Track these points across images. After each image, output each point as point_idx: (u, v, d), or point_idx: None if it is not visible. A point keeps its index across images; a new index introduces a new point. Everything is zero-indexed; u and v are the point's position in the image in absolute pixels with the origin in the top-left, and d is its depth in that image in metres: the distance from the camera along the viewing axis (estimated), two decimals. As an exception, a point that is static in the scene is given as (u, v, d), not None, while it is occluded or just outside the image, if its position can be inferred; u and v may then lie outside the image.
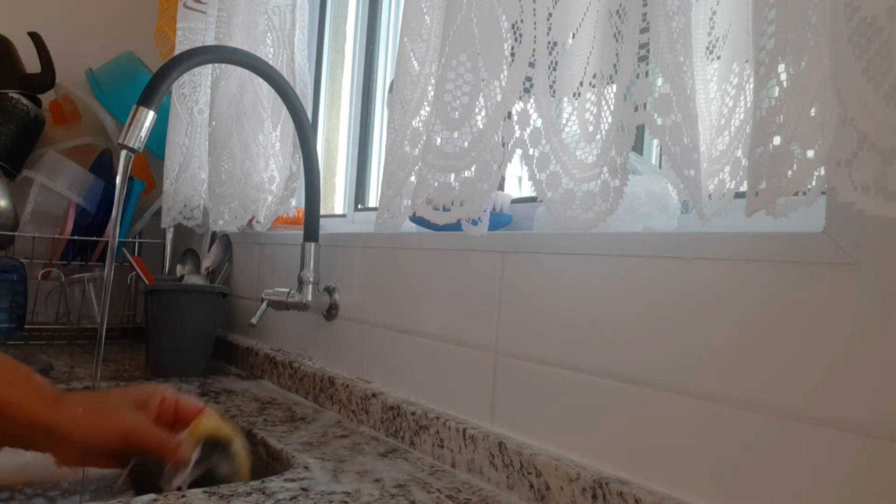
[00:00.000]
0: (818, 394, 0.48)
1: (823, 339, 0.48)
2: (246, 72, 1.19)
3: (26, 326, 1.44)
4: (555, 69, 0.62)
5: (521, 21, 0.64)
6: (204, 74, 1.42)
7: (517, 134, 0.66)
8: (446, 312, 0.82)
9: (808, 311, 0.49)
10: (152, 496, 0.62)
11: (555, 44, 0.63)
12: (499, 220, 0.83)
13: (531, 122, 0.65)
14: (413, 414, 0.82)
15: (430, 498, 0.66)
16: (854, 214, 0.42)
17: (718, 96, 0.55)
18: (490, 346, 0.76)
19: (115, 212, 0.87)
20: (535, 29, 0.64)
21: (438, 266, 0.84)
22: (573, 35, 0.62)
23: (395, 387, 0.90)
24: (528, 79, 0.64)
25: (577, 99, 0.62)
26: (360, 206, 1.28)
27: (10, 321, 1.39)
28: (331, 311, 1.05)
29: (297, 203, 1.34)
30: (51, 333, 1.50)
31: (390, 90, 0.83)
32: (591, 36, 0.60)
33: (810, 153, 0.43)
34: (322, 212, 1.11)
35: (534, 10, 0.64)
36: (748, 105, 0.52)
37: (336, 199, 1.40)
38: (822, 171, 0.42)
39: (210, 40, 1.40)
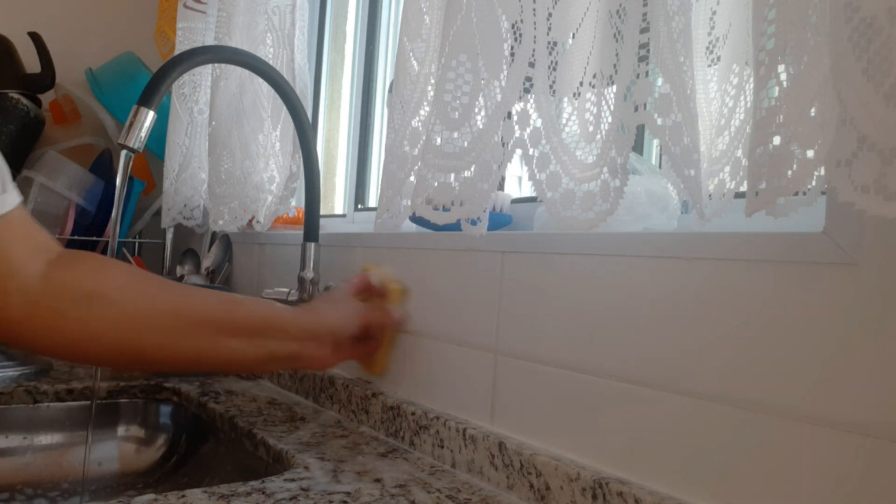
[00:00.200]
0: (818, 394, 0.48)
1: (823, 339, 0.48)
2: (246, 72, 1.19)
3: (26, 326, 1.43)
4: (555, 69, 0.62)
5: (521, 21, 0.64)
6: (204, 74, 1.42)
7: (517, 134, 0.66)
8: (446, 312, 0.82)
9: (808, 311, 0.49)
10: (152, 496, 0.62)
11: (555, 44, 0.63)
12: (499, 220, 0.83)
13: (531, 122, 0.65)
14: (413, 414, 0.82)
15: (430, 498, 0.66)
16: (854, 214, 0.42)
17: (718, 96, 0.55)
18: (490, 346, 0.76)
19: (115, 212, 0.87)
20: (535, 29, 0.64)
21: (438, 266, 0.84)
22: (573, 35, 0.62)
23: (394, 387, 0.90)
24: (528, 79, 0.64)
25: (577, 99, 0.62)
26: (360, 206, 1.28)
27: (10, 321, 1.39)
28: (331, 311, 1.05)
29: (297, 203, 1.34)
30: (51, 333, 1.50)
31: (390, 90, 0.83)
32: (591, 36, 0.60)
33: (810, 153, 0.43)
34: (322, 212, 1.11)
35: (534, 9, 0.64)
36: (748, 105, 0.52)
37: (336, 199, 1.40)
38: (822, 171, 0.42)
39: (210, 40, 1.40)
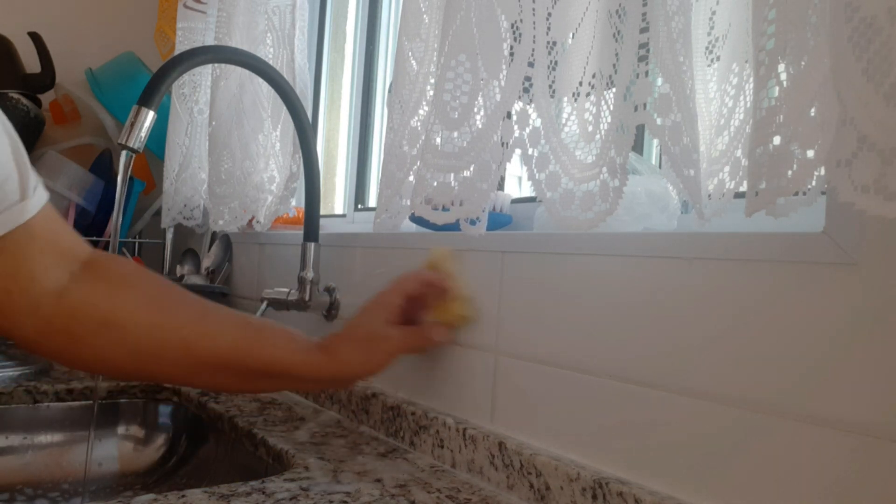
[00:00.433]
0: (818, 393, 0.48)
1: (823, 339, 0.48)
2: (246, 72, 1.19)
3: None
4: (554, 69, 0.62)
5: (521, 21, 0.64)
6: (204, 74, 1.42)
7: (516, 134, 0.65)
8: (446, 312, 0.82)
9: (808, 311, 0.49)
10: (152, 496, 0.62)
11: (554, 43, 0.63)
12: (499, 220, 0.83)
13: (530, 121, 0.65)
14: (413, 414, 0.82)
15: (430, 498, 0.66)
16: (854, 214, 0.42)
17: (718, 96, 0.55)
18: (490, 346, 0.76)
19: (116, 212, 0.87)
20: (534, 28, 0.64)
21: (438, 266, 0.84)
22: (573, 35, 0.62)
23: (394, 387, 0.90)
24: (528, 78, 0.64)
25: (576, 99, 0.62)
26: (360, 206, 1.28)
27: (10, 321, 1.39)
28: (331, 311, 1.05)
29: (297, 203, 1.34)
30: (51, 333, 1.50)
31: (389, 90, 0.83)
32: (591, 36, 0.60)
33: (810, 153, 0.43)
34: (322, 212, 1.11)
35: (533, 9, 0.64)
36: (748, 105, 0.52)
37: (336, 199, 1.40)
38: (822, 171, 0.42)
39: (210, 40, 1.40)
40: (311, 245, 1.03)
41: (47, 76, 1.50)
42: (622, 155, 0.57)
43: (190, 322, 0.69)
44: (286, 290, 1.05)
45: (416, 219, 0.85)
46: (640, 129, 0.72)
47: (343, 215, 1.31)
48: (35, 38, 1.50)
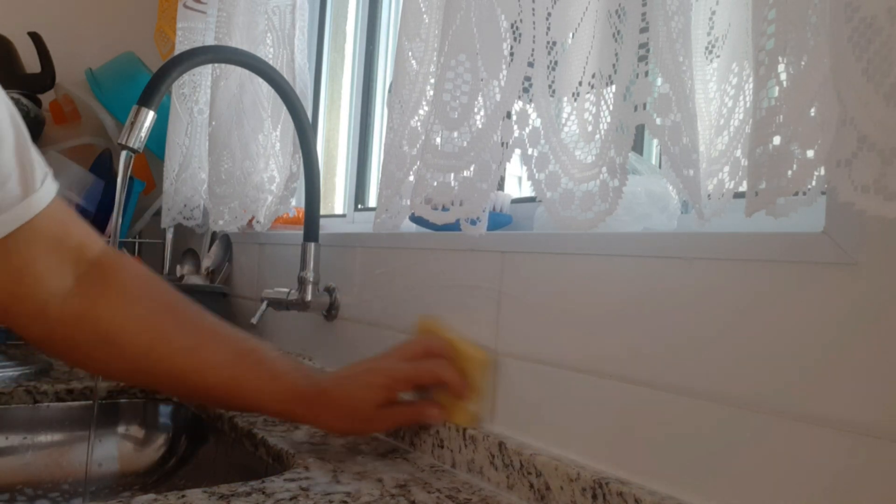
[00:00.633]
0: (818, 393, 0.48)
1: (823, 339, 0.48)
2: (246, 72, 1.19)
3: (27, 326, 1.43)
4: (554, 69, 0.62)
5: (521, 20, 0.64)
6: (204, 74, 1.42)
7: (516, 134, 0.65)
8: (446, 312, 0.82)
9: (808, 311, 0.49)
10: (152, 496, 0.62)
11: (554, 43, 0.63)
12: (499, 220, 0.83)
13: (530, 121, 0.65)
14: (413, 414, 0.82)
15: (431, 498, 0.66)
16: (854, 214, 0.42)
17: (718, 96, 0.55)
18: (490, 347, 0.76)
19: (116, 212, 0.87)
20: (534, 28, 0.64)
21: (438, 266, 0.84)
22: (572, 35, 0.62)
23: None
24: (528, 78, 0.64)
25: (576, 99, 0.62)
26: (360, 206, 1.28)
27: (10, 321, 1.39)
28: (331, 311, 1.05)
29: (297, 203, 1.34)
30: (51, 333, 1.50)
31: (389, 90, 0.83)
32: (591, 35, 0.60)
33: (810, 153, 0.43)
34: (322, 212, 1.11)
35: (533, 9, 0.64)
36: (748, 105, 0.52)
37: (336, 199, 1.40)
38: (822, 171, 0.42)
39: (210, 40, 1.40)
40: (311, 245, 1.03)
41: (47, 76, 1.50)
42: (622, 155, 0.57)
43: (183, 352, 0.71)
44: (286, 290, 1.05)
45: (416, 219, 0.85)
46: (640, 129, 0.72)
47: (343, 215, 1.31)
48: (35, 38, 1.50)
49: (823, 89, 0.41)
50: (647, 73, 0.55)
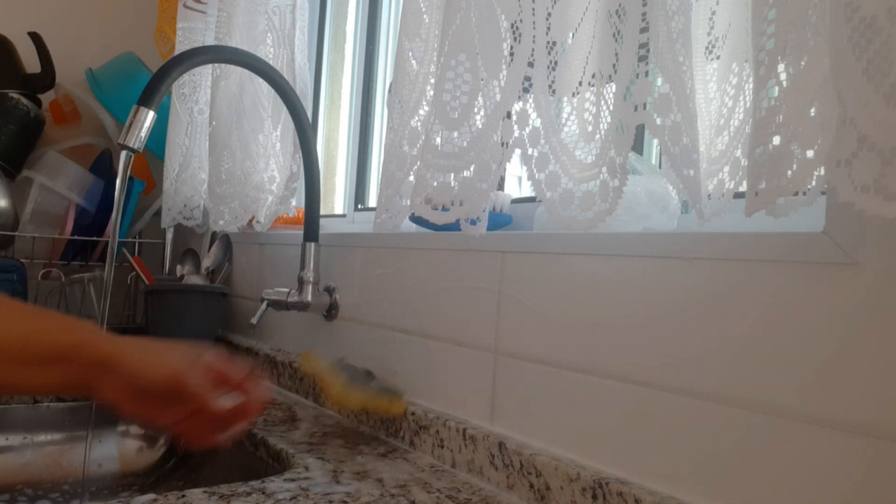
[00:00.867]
0: (818, 393, 0.48)
1: (823, 339, 0.48)
2: (246, 72, 1.19)
3: (26, 326, 1.43)
4: (554, 69, 0.62)
5: (521, 21, 0.64)
6: (204, 74, 1.42)
7: (516, 134, 0.65)
8: (446, 312, 0.82)
9: (808, 311, 0.49)
10: (152, 496, 0.62)
11: (554, 43, 0.62)
12: (499, 220, 0.83)
13: (530, 121, 0.65)
14: (413, 414, 0.82)
15: (431, 498, 0.66)
16: (854, 214, 0.42)
17: (718, 96, 0.55)
18: (490, 346, 0.76)
19: (115, 212, 0.87)
20: (534, 28, 0.64)
21: (438, 266, 0.84)
22: (572, 35, 0.62)
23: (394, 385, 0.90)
24: (528, 78, 0.64)
25: (576, 99, 0.62)
26: (360, 206, 1.28)
27: (10, 321, 1.39)
28: (331, 311, 1.05)
29: (297, 203, 1.34)
30: (51, 333, 1.50)
31: (389, 90, 0.83)
32: (591, 35, 0.60)
33: (810, 153, 0.43)
34: (322, 212, 1.11)
35: (533, 9, 0.64)
36: (748, 105, 0.52)
37: (336, 199, 1.40)
38: (822, 171, 0.42)
39: (210, 40, 1.40)
40: (311, 245, 1.03)
41: (47, 76, 1.50)
42: (622, 155, 0.57)
43: None
44: (286, 290, 1.05)
45: (416, 219, 0.85)
46: (640, 129, 0.72)
47: (343, 215, 1.31)
48: (35, 38, 1.50)
49: (823, 89, 0.41)
50: (647, 73, 0.55)
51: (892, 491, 0.44)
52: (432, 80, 0.76)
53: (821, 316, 0.48)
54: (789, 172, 0.44)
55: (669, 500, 0.55)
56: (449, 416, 0.78)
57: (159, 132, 1.45)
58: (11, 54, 1.48)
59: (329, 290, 1.05)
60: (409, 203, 0.78)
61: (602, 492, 0.59)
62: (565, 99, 0.62)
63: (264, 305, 1.08)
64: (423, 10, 0.78)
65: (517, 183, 0.99)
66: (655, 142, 0.72)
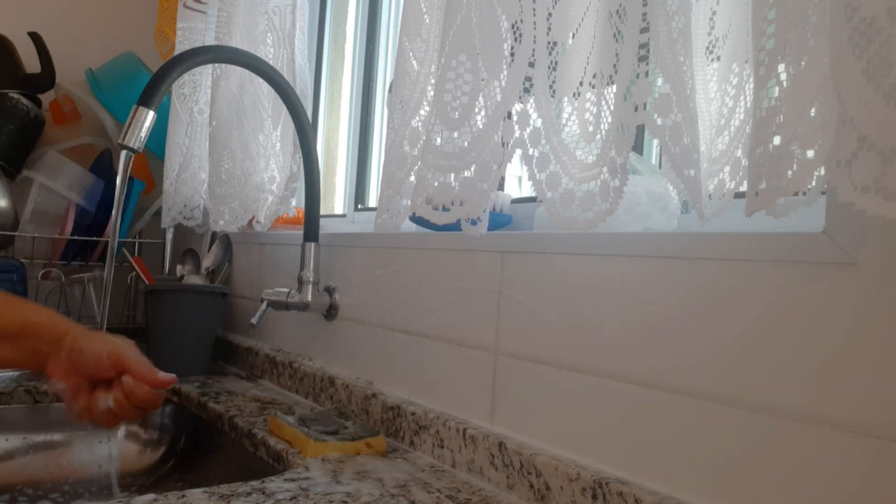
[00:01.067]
0: (818, 394, 0.48)
1: (823, 339, 0.48)
2: (246, 72, 1.19)
3: (26, 326, 1.43)
4: (555, 69, 0.62)
5: (521, 21, 0.64)
6: (204, 74, 1.42)
7: (517, 134, 0.66)
8: (446, 312, 0.82)
9: (809, 311, 0.49)
10: (152, 496, 0.62)
11: (554, 44, 0.63)
12: (499, 220, 0.83)
13: (531, 121, 0.65)
14: (413, 414, 0.82)
15: (430, 498, 0.66)
16: (854, 214, 0.42)
17: (718, 96, 0.55)
18: (490, 346, 0.76)
19: (115, 212, 0.87)
20: (534, 29, 0.64)
21: (438, 266, 0.84)
22: (573, 35, 0.62)
23: (395, 387, 0.90)
24: (528, 79, 0.64)
25: (576, 99, 0.62)
26: (360, 206, 1.28)
27: (10, 321, 1.39)
28: (331, 311, 1.05)
29: (297, 203, 1.34)
30: (51, 333, 1.50)
31: (390, 90, 0.83)
32: (591, 36, 0.60)
33: (810, 153, 0.43)
34: (322, 212, 1.11)
35: (533, 9, 0.64)
36: (748, 105, 0.52)
37: (336, 199, 1.40)
38: (822, 171, 0.42)
39: (210, 40, 1.40)
40: (311, 245, 1.03)
41: (47, 76, 1.50)
42: (622, 155, 0.57)
43: None
44: (286, 290, 1.05)
45: (416, 219, 0.85)
46: (641, 129, 0.72)
47: (343, 215, 1.31)
48: (35, 38, 1.50)
49: (823, 89, 0.41)
50: (647, 74, 0.55)
51: (892, 491, 0.44)
52: (433, 81, 0.76)
53: (821, 316, 0.49)
54: (789, 172, 0.44)
55: (669, 500, 0.56)
56: (449, 416, 0.78)
57: (159, 132, 1.45)
58: (11, 54, 1.48)
59: (329, 291, 1.05)
60: (409, 203, 0.78)
61: (602, 492, 0.59)
62: (566, 99, 0.62)
63: (264, 305, 1.08)
64: (424, 10, 0.78)
65: (517, 183, 0.99)
66: (656, 142, 0.73)
